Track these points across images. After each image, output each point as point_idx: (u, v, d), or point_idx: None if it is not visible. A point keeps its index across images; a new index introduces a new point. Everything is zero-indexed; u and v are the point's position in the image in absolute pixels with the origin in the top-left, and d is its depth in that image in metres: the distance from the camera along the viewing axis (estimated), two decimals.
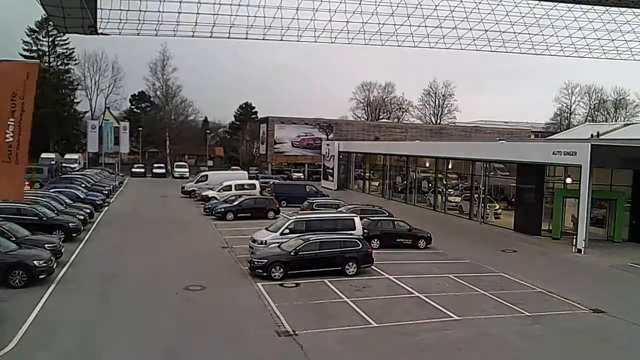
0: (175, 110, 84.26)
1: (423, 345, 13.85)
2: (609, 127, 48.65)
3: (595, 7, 14.42)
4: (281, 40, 14.02)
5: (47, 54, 77.29)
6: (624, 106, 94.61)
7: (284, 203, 37.45)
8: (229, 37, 13.71)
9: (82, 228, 26.49)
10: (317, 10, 13.14)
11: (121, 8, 12.31)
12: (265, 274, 19.01)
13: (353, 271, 19.89)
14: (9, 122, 13.47)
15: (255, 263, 19.47)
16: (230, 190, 40.78)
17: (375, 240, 25.02)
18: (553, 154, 27.61)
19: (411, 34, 14.54)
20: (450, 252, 25.13)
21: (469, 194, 36.93)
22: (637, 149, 27.25)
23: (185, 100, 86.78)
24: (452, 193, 39.56)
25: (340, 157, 57.23)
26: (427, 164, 43.41)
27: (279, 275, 18.99)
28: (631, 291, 20.24)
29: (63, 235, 23.51)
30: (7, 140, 13.53)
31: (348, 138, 68.71)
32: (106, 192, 41.41)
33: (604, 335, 15.17)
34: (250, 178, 51.80)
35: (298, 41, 14.12)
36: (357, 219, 23.91)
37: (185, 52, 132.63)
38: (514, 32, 15.08)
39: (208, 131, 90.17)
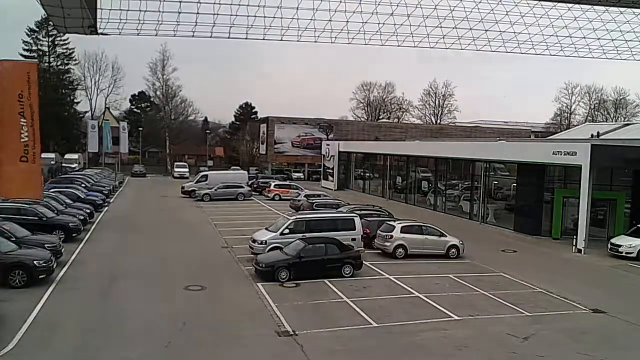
0: (175, 110, 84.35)
1: (423, 345, 13.86)
2: (609, 127, 48.65)
3: (595, 7, 14.38)
4: (281, 40, 13.99)
5: (47, 54, 77.33)
6: (624, 106, 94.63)
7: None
8: (229, 37, 13.68)
9: (82, 228, 26.50)
10: (317, 10, 13.11)
11: (121, 8, 12.27)
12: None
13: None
14: (21, 123, 13.57)
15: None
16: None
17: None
18: (553, 154, 27.62)
19: (411, 34, 14.51)
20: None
21: (469, 194, 36.94)
22: (637, 149, 27.25)
23: (185, 100, 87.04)
24: (452, 194, 39.54)
25: (340, 157, 57.24)
26: (427, 164, 43.42)
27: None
28: (631, 291, 20.25)
29: (63, 235, 23.52)
30: (22, 140, 13.67)
31: (348, 138, 68.70)
32: (106, 192, 41.45)
33: (604, 335, 15.17)
34: (250, 178, 52.15)
35: (298, 41, 14.10)
36: (357, 219, 23.88)
37: (185, 52, 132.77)
38: (514, 32, 15.04)
39: (208, 131, 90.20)
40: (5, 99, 13.57)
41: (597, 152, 25.23)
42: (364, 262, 20.83)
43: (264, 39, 14.03)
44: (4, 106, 13.58)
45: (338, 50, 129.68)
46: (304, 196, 37.69)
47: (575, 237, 26.29)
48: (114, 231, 28.54)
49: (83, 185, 39.99)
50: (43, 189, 15.97)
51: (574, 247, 26.03)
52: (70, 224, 25.07)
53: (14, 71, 13.83)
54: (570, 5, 14.30)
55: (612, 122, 75.64)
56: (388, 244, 23.43)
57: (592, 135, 41.54)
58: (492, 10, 14.15)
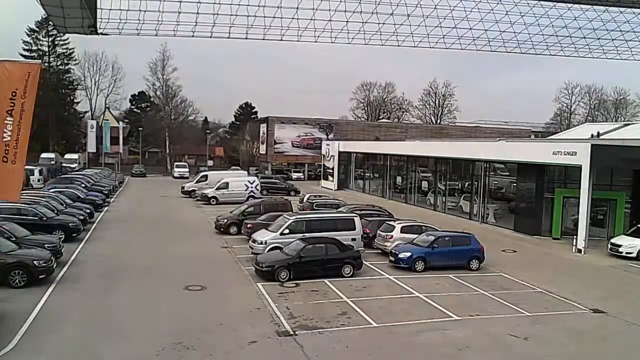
0: (175, 110, 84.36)
1: (423, 345, 13.85)
2: (609, 127, 48.63)
3: (595, 7, 14.39)
4: (281, 40, 14.01)
5: (47, 54, 77.37)
6: (624, 106, 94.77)
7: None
8: (229, 37, 13.71)
9: (82, 228, 26.50)
10: (317, 10, 13.12)
11: (121, 8, 12.29)
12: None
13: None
14: (6, 122, 13.26)
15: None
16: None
17: None
18: (553, 154, 27.61)
19: (411, 33, 14.53)
20: None
21: (469, 194, 36.93)
22: (637, 149, 27.24)
23: (185, 100, 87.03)
24: (452, 193, 39.55)
25: (340, 157, 57.23)
26: (427, 164, 43.42)
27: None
28: (631, 291, 20.23)
29: (63, 235, 23.52)
30: (4, 139, 13.31)
31: (348, 138, 68.71)
32: (106, 192, 41.46)
33: (604, 335, 15.17)
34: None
35: (298, 41, 14.11)
36: (357, 219, 23.86)
37: (186, 52, 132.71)
38: (514, 32, 15.06)
39: (208, 131, 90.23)
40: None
41: (597, 152, 25.21)
42: (364, 262, 20.84)
43: (264, 39, 14.05)
44: None
45: (338, 51, 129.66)
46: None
47: (575, 237, 26.29)
48: (114, 231, 28.54)
49: (83, 185, 39.99)
50: (20, 191, 15.50)
51: (574, 247, 26.02)
52: (70, 224, 25.07)
53: (14, 71, 13.74)
54: (570, 5, 14.31)
55: (612, 122, 75.60)
56: (388, 244, 23.43)
57: (592, 135, 41.53)
58: (492, 10, 14.17)
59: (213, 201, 40.87)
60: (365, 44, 14.69)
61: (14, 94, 13.24)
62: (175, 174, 66.84)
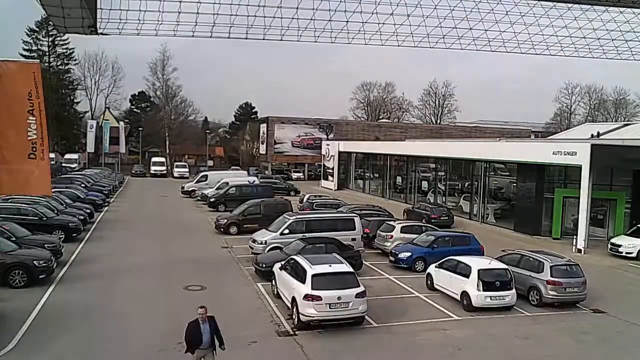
0: (175, 110, 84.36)
1: (423, 345, 13.86)
2: (609, 127, 48.66)
3: (595, 7, 14.37)
4: (281, 40, 13.98)
5: (47, 54, 77.39)
6: (624, 106, 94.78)
7: None
8: (229, 37, 13.68)
9: (82, 228, 26.49)
10: (317, 10, 13.10)
11: (121, 8, 12.27)
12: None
13: None
14: (28, 121, 13.84)
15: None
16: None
17: None
18: (553, 154, 27.63)
19: (411, 33, 14.50)
20: None
21: (469, 194, 36.94)
22: (637, 149, 27.25)
23: (185, 100, 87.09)
24: (452, 193, 39.55)
25: (340, 157, 57.24)
26: (427, 164, 43.44)
27: None
28: (631, 291, 20.25)
29: (63, 235, 23.52)
30: (29, 137, 13.91)
31: (348, 138, 68.71)
32: (106, 192, 41.46)
33: (604, 335, 15.18)
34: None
35: (298, 41, 14.09)
36: (357, 219, 23.86)
37: (186, 51, 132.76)
38: (514, 32, 15.02)
39: (208, 131, 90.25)
40: (15, 99, 13.80)
41: (597, 152, 25.23)
42: (364, 262, 20.83)
43: (264, 39, 14.03)
44: (14, 106, 13.84)
45: (337, 50, 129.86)
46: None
47: (575, 237, 26.31)
48: (114, 231, 28.53)
49: (83, 185, 39.99)
50: (50, 186, 16.21)
51: (574, 247, 26.03)
52: (70, 224, 25.06)
53: (21, 71, 14.10)
54: (570, 5, 14.28)
55: (612, 122, 75.61)
56: (388, 243, 23.43)
57: (592, 135, 41.55)
58: (492, 10, 14.13)
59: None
60: (365, 44, 14.65)
61: (30, 94, 13.78)
62: (175, 174, 66.86)
